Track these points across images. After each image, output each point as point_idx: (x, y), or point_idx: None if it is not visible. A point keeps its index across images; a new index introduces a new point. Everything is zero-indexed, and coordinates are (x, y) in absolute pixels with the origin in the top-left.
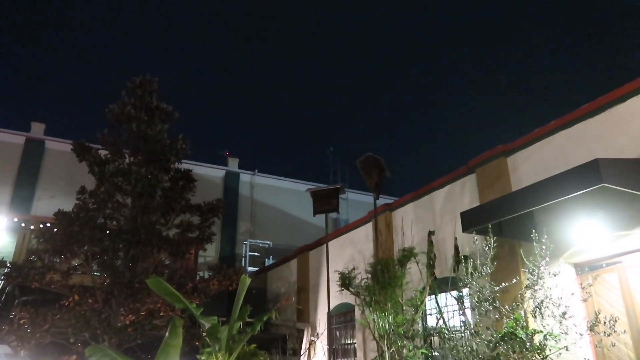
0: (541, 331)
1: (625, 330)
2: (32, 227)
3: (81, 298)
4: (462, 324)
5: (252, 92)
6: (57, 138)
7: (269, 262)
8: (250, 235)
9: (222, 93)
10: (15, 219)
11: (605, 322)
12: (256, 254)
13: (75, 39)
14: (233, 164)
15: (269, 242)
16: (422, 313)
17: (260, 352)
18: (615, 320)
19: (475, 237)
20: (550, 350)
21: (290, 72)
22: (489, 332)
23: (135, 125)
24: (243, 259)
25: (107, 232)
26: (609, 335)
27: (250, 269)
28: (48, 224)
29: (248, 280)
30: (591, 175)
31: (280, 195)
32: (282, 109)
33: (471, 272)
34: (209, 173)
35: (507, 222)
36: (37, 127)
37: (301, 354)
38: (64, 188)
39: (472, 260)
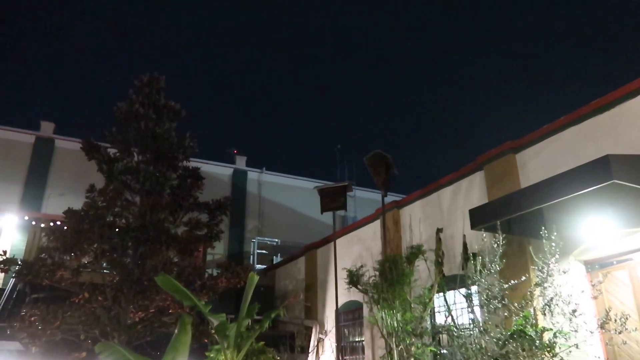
0: (551, 329)
1: (636, 328)
2: (42, 225)
3: (91, 295)
4: (470, 322)
5: (260, 90)
6: (66, 137)
7: (277, 259)
8: (258, 232)
9: (230, 91)
10: (26, 217)
11: (616, 320)
12: (264, 251)
13: (85, 38)
14: (241, 162)
15: (277, 240)
16: (430, 311)
17: (268, 349)
18: (627, 318)
19: (484, 235)
20: (560, 348)
21: (298, 70)
22: (498, 329)
23: (143, 123)
24: (251, 256)
25: (116, 229)
26: (619, 333)
27: (259, 266)
28: (58, 222)
29: (256, 278)
30: (601, 171)
31: (288, 193)
32: (290, 106)
33: (480, 270)
34: (217, 171)
35: (516, 219)
36: (47, 126)
37: (309, 351)
38: (73, 186)
39: (480, 257)
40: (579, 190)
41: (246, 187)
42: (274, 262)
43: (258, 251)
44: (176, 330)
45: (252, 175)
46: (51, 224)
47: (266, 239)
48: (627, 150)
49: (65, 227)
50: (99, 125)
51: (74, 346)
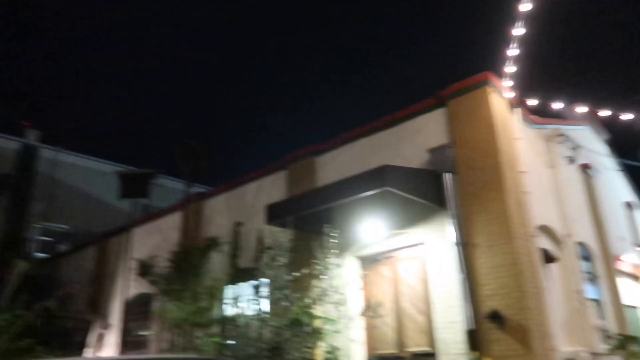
0: (320, 317)
1: (388, 315)
2: None
3: None
4: (256, 312)
5: (89, 69)
6: None
7: (66, 247)
8: (46, 217)
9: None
10: None
11: (374, 308)
12: (50, 238)
13: None
14: (34, 137)
15: (66, 226)
16: (220, 301)
17: (38, 347)
18: (380, 306)
19: (279, 230)
20: (325, 333)
21: (112, 43)
22: (277, 319)
23: None
24: (32, 243)
25: None
26: (377, 318)
27: (43, 255)
28: None
29: (23, 265)
30: (377, 179)
31: (89, 177)
32: (106, 81)
33: (268, 263)
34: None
35: (305, 218)
36: None
37: (86, 347)
38: None
39: (272, 251)
40: (357, 194)
41: (36, 166)
42: (62, 251)
43: (42, 238)
44: None
45: (47, 153)
46: None
47: (54, 224)
48: (405, 163)
49: None
50: None
51: None
